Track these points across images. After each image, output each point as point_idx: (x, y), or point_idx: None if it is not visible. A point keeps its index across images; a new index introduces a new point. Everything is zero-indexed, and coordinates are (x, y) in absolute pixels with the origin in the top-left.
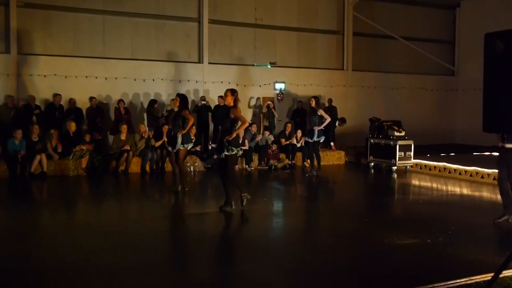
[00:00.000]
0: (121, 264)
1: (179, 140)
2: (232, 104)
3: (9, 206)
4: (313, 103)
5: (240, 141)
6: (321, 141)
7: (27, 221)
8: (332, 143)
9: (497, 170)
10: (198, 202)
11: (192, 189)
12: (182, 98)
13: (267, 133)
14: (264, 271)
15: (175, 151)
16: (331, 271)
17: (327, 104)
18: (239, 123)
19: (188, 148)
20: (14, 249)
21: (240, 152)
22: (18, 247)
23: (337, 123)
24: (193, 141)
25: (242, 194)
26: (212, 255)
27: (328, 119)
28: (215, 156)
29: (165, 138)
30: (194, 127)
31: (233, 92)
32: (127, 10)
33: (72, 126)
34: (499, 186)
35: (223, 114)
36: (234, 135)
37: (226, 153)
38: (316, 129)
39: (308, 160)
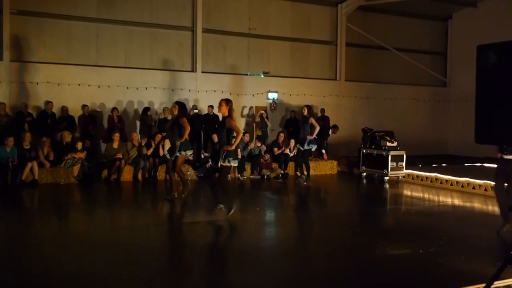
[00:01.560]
0: (113, 273)
1: (178, 147)
2: (226, 114)
3: None
4: (305, 112)
5: None
6: (313, 150)
7: (18, 229)
8: (323, 151)
9: (493, 182)
10: (190, 211)
11: (184, 198)
12: (181, 106)
13: (258, 143)
14: (257, 281)
15: (173, 158)
16: (324, 281)
17: (319, 114)
18: (235, 134)
19: (188, 155)
20: (4, 258)
21: (236, 164)
22: (9, 256)
23: (330, 131)
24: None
25: (230, 205)
26: (204, 264)
27: (318, 128)
28: (208, 165)
29: (154, 146)
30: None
31: (227, 102)
32: (121, 18)
33: (67, 137)
34: (496, 196)
35: (220, 123)
36: (233, 147)
37: (222, 163)
38: (309, 137)
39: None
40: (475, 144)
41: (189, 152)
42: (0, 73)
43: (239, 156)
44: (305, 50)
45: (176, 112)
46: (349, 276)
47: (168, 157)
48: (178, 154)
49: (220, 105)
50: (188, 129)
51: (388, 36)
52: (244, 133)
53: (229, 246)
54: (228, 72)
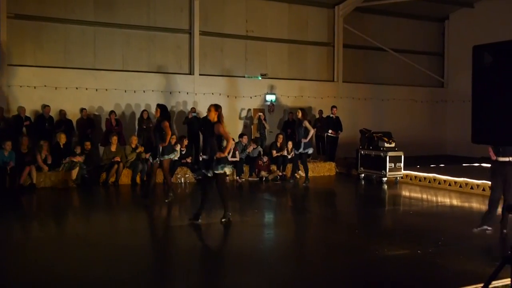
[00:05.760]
0: (111, 276)
1: (160, 151)
2: (216, 119)
3: None
4: (300, 115)
5: (231, 154)
6: (309, 152)
7: (16, 233)
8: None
9: (489, 182)
10: (188, 213)
11: (183, 200)
12: (163, 108)
13: (254, 145)
14: (256, 282)
15: (157, 161)
16: (323, 282)
17: (317, 116)
18: (225, 142)
19: (173, 158)
20: (2, 262)
21: (230, 171)
22: (7, 259)
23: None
24: (182, 152)
25: (226, 213)
26: (203, 266)
27: (312, 131)
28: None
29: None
30: (186, 138)
31: (216, 107)
32: (118, 21)
33: (62, 138)
34: (490, 204)
35: (210, 128)
36: (225, 153)
37: (216, 171)
38: (303, 140)
39: (299, 172)
40: (473, 144)
41: (173, 155)
42: None
43: (237, 158)
44: (303, 52)
45: (158, 115)
46: (348, 277)
47: (151, 161)
48: (161, 159)
49: (209, 110)
50: (169, 134)
51: (385, 37)
52: (242, 135)
53: (228, 248)
54: (226, 74)
